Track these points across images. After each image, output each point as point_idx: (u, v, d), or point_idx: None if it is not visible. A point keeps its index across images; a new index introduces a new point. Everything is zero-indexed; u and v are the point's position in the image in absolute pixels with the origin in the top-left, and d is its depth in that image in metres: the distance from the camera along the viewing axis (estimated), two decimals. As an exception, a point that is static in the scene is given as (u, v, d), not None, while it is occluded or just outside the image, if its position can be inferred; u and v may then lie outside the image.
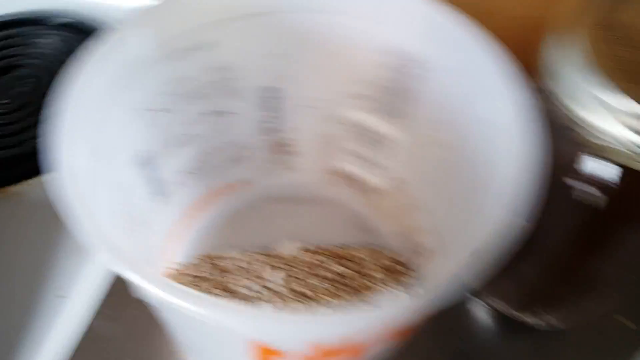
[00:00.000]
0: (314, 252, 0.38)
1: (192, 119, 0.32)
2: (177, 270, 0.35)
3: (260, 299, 0.34)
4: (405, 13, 0.29)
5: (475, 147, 0.29)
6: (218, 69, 0.30)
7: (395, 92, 0.32)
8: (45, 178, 0.40)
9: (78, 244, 0.38)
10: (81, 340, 0.34)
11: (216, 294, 0.34)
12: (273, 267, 0.36)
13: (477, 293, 0.38)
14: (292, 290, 0.35)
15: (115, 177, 0.27)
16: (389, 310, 0.18)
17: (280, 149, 0.39)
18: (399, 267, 0.38)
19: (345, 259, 0.38)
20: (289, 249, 0.38)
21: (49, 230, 0.38)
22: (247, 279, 0.35)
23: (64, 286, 0.36)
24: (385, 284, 0.36)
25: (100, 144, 0.25)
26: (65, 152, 0.21)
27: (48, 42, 0.48)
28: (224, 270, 0.35)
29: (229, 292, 0.34)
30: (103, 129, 0.25)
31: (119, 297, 0.36)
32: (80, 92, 0.23)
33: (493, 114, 0.27)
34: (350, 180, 0.40)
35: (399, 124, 0.34)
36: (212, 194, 0.39)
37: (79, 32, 0.48)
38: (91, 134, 0.24)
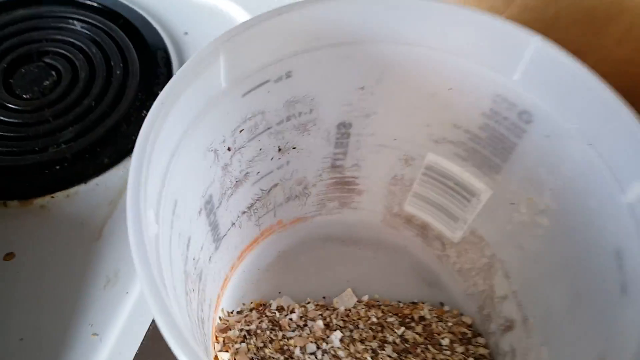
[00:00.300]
0: (374, 307, 0.34)
1: (255, 155, 0.28)
2: (226, 321, 0.32)
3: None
4: (510, 52, 0.24)
5: (584, 219, 0.24)
6: (293, 103, 0.27)
7: (489, 141, 0.28)
8: (73, 190, 0.37)
9: (113, 272, 0.36)
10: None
11: (274, 357, 0.30)
12: (328, 324, 0.32)
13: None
14: (351, 355, 0.31)
15: (187, 230, 0.23)
16: None
17: (344, 186, 0.35)
18: (469, 334, 0.33)
19: (410, 318, 0.33)
20: (345, 300, 0.34)
21: (78, 251, 0.35)
22: (300, 336, 0.31)
23: (97, 321, 0.33)
24: (456, 354, 0.32)
25: (179, 195, 0.22)
26: (146, 217, 0.17)
27: (74, 27, 0.43)
28: (275, 324, 0.32)
29: (285, 354, 0.30)
30: (176, 175, 0.21)
31: (161, 342, 0.32)
32: (162, 137, 0.20)
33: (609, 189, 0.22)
34: (421, 228, 0.36)
35: (487, 177, 0.29)
36: (264, 233, 0.35)
37: (105, 16, 0.43)
38: (171, 182, 0.20)
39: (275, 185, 0.32)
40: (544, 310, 0.27)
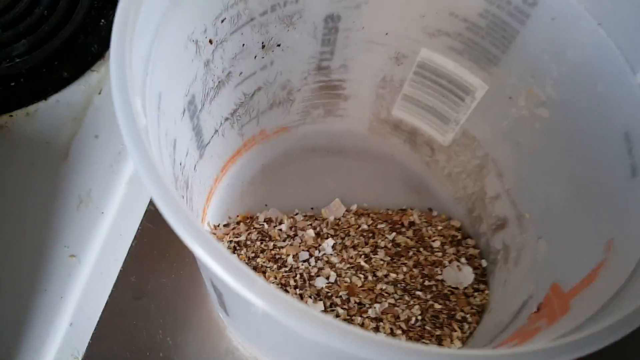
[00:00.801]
0: (364, 215, 0.33)
1: (237, 52, 0.26)
2: (213, 234, 0.30)
3: (310, 272, 0.29)
4: None
5: (589, 105, 0.23)
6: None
7: (489, 29, 0.26)
8: (33, 108, 0.33)
9: (85, 192, 0.34)
10: (102, 315, 0.29)
11: (267, 266, 0.29)
12: (319, 233, 0.31)
13: None
14: (345, 261, 0.30)
15: (172, 130, 0.21)
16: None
17: (330, 90, 0.33)
18: (459, 236, 0.33)
19: (400, 224, 0.33)
20: (334, 210, 0.33)
21: (46, 172, 0.33)
22: (292, 245, 0.30)
23: (73, 243, 0.31)
24: (447, 255, 0.32)
25: (163, 90, 0.19)
26: (135, 106, 0.15)
27: None
28: (265, 235, 0.30)
29: (278, 263, 0.29)
30: (158, 64, 0.19)
31: (144, 261, 0.31)
32: (139, 26, 0.17)
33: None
34: (409, 133, 0.35)
35: (484, 71, 0.28)
36: (247, 144, 0.33)
37: None
38: (154, 72, 0.18)
39: (259, 89, 0.29)
40: (542, 204, 0.27)
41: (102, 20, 0.36)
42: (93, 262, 0.31)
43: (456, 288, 0.31)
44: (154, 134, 0.19)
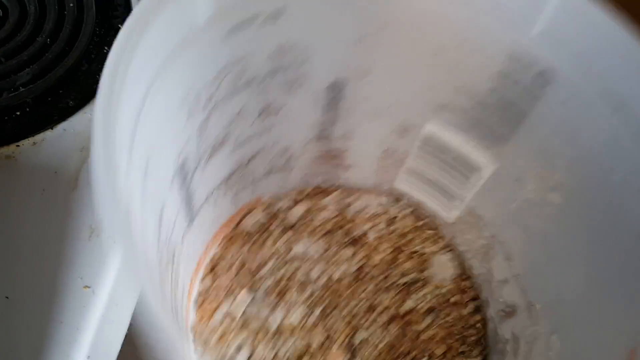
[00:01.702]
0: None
1: (235, 115, 0.24)
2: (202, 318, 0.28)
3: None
4: (530, 3, 0.22)
5: (604, 196, 0.22)
6: (282, 52, 0.23)
7: (497, 108, 0.25)
8: (40, 137, 0.33)
9: (96, 222, 0.32)
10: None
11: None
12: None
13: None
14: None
15: (160, 197, 0.20)
16: None
17: (331, 159, 0.32)
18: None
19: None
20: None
21: (56, 202, 0.31)
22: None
23: (86, 273, 0.29)
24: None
25: (152, 151, 0.18)
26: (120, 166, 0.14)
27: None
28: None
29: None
30: (147, 128, 0.17)
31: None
32: (132, 75, 0.16)
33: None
34: (414, 208, 0.33)
35: (492, 150, 0.27)
36: (240, 211, 0.32)
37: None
38: (141, 136, 0.17)
39: (255, 155, 0.28)
40: (554, 295, 0.25)
41: (105, 47, 0.36)
42: (108, 293, 0.29)
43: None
44: (139, 205, 0.17)
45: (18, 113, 0.32)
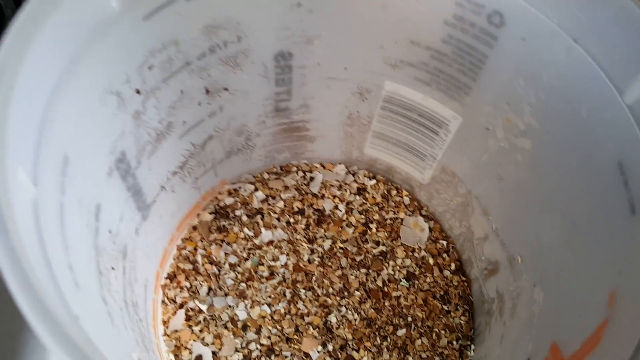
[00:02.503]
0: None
1: (176, 100, 0.23)
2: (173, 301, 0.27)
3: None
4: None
5: (574, 133, 0.20)
6: (214, 28, 0.21)
7: (456, 55, 0.23)
8: None
9: None
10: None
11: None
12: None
13: None
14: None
15: (93, 196, 0.18)
16: None
17: (294, 133, 0.30)
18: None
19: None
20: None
21: None
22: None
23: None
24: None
25: (70, 150, 0.17)
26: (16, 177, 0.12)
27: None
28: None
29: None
30: (61, 124, 0.16)
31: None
32: (32, 72, 0.14)
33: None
34: (384, 172, 0.32)
35: (456, 102, 0.25)
36: (206, 196, 0.30)
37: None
38: (54, 132, 0.15)
39: (210, 137, 0.27)
40: (534, 246, 0.23)
41: None
42: None
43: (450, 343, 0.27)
44: (52, 205, 0.16)
45: None
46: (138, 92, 0.21)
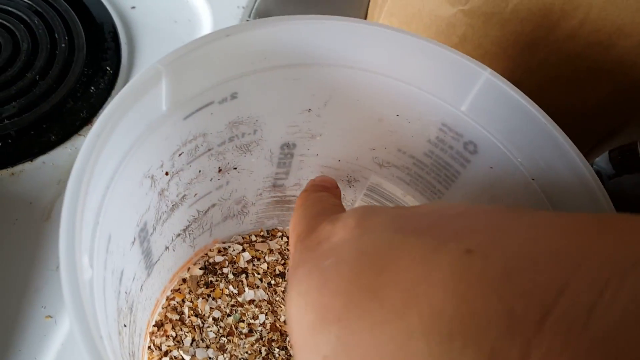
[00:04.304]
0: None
1: (194, 177, 0.26)
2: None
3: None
4: (460, 83, 0.24)
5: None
6: (237, 124, 0.25)
7: (434, 167, 0.28)
8: (19, 168, 0.34)
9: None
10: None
11: None
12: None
13: None
14: None
15: (120, 264, 0.21)
16: None
17: (284, 205, 0.34)
18: None
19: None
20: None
21: (27, 232, 0.32)
22: None
23: (50, 303, 0.30)
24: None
25: (113, 230, 0.19)
26: (81, 264, 0.15)
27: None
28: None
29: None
30: (111, 208, 0.19)
31: None
32: (98, 170, 0.17)
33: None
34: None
35: (428, 201, 0.29)
36: (198, 253, 0.33)
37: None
38: (105, 217, 0.18)
39: (213, 205, 0.30)
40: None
41: (92, 88, 0.37)
42: (69, 324, 0.30)
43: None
44: (99, 280, 0.19)
45: (0, 144, 0.33)
46: (167, 174, 0.24)
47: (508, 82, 0.23)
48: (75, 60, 0.37)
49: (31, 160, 0.35)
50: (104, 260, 0.19)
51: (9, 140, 0.34)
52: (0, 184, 0.34)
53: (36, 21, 0.38)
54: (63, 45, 0.38)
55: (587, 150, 0.38)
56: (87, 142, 0.17)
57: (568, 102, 0.36)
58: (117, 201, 0.20)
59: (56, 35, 0.38)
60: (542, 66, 0.35)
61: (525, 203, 0.24)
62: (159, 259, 0.28)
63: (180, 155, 0.24)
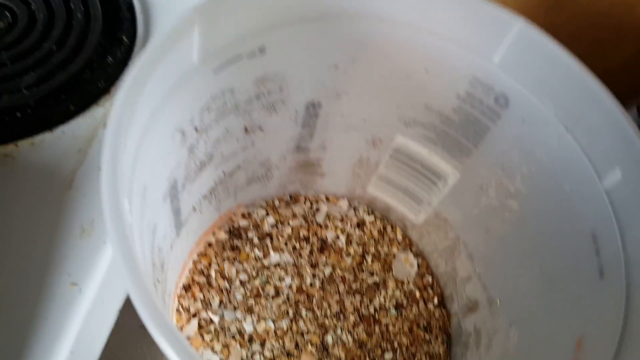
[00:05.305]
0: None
1: (221, 136, 0.26)
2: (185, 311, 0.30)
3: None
4: (492, 34, 0.24)
5: (557, 203, 0.25)
6: (264, 80, 0.25)
7: (462, 124, 0.27)
8: (39, 139, 0.33)
9: (87, 222, 0.33)
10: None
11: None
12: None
13: None
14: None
15: (153, 218, 0.21)
16: None
17: (308, 168, 0.33)
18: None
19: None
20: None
21: (49, 201, 0.32)
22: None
23: (74, 271, 0.30)
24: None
25: (148, 181, 0.19)
26: (124, 209, 0.15)
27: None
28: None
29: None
30: (145, 159, 0.19)
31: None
32: (131, 118, 0.17)
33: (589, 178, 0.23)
34: (381, 210, 0.36)
35: (456, 161, 0.29)
36: (223, 217, 0.33)
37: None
38: (140, 166, 0.18)
39: (238, 167, 0.30)
40: (511, 292, 0.28)
41: (109, 58, 0.37)
42: (95, 291, 0.30)
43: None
44: (138, 229, 0.19)
45: (19, 114, 0.33)
46: (196, 129, 0.24)
47: (542, 32, 0.23)
48: (92, 30, 0.37)
49: (51, 130, 0.34)
50: (141, 210, 0.19)
51: (28, 110, 0.34)
52: (21, 155, 0.33)
53: (51, -10, 0.37)
54: (79, 15, 0.37)
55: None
56: (122, 93, 0.17)
57: (592, 62, 0.35)
58: (150, 153, 0.20)
59: (72, 5, 0.37)
60: (566, 26, 0.34)
61: (558, 153, 0.24)
62: (187, 220, 0.28)
63: (209, 111, 0.24)
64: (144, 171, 0.19)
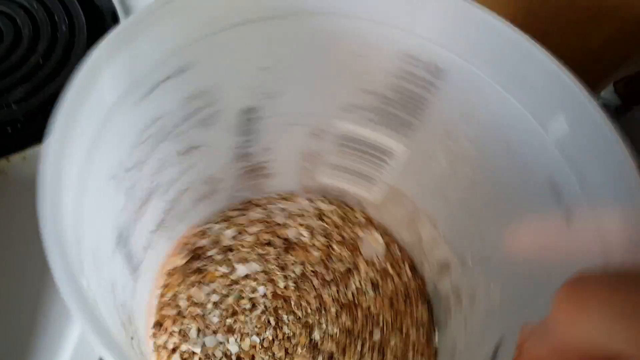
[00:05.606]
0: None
1: (157, 168, 0.24)
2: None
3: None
4: (416, 7, 0.23)
5: (508, 160, 0.25)
6: (194, 97, 0.23)
7: (401, 100, 0.27)
8: (30, 152, 0.33)
9: None
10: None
11: None
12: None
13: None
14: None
15: (108, 276, 0.19)
16: None
17: (254, 173, 0.32)
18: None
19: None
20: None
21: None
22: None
23: None
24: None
25: (94, 239, 0.18)
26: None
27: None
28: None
29: None
30: (85, 219, 0.17)
31: None
32: (59, 182, 0.16)
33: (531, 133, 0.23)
34: (339, 195, 0.35)
35: (403, 136, 0.29)
36: (178, 244, 0.32)
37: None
38: (83, 229, 0.17)
39: (182, 192, 0.28)
40: (481, 250, 0.28)
41: None
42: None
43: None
44: (100, 298, 0.17)
45: (9, 129, 0.33)
46: (128, 170, 0.22)
47: (462, -3, 0.22)
48: (77, 42, 0.37)
49: (41, 143, 0.34)
50: (96, 276, 0.18)
51: (18, 125, 0.34)
52: (14, 169, 0.33)
53: (35, 5, 0.38)
54: (64, 27, 0.38)
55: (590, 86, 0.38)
56: (46, 157, 0.15)
57: (573, 41, 0.35)
58: (89, 211, 0.18)
59: (56, 18, 0.38)
60: (544, 7, 0.34)
61: (500, 113, 0.24)
62: (141, 261, 0.26)
63: (139, 146, 0.22)
64: (88, 233, 0.18)
